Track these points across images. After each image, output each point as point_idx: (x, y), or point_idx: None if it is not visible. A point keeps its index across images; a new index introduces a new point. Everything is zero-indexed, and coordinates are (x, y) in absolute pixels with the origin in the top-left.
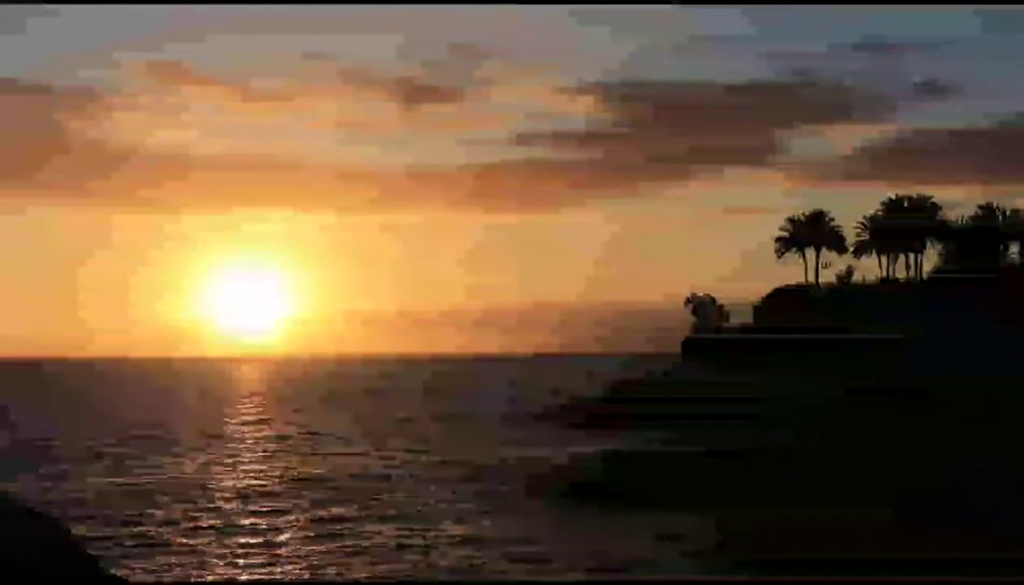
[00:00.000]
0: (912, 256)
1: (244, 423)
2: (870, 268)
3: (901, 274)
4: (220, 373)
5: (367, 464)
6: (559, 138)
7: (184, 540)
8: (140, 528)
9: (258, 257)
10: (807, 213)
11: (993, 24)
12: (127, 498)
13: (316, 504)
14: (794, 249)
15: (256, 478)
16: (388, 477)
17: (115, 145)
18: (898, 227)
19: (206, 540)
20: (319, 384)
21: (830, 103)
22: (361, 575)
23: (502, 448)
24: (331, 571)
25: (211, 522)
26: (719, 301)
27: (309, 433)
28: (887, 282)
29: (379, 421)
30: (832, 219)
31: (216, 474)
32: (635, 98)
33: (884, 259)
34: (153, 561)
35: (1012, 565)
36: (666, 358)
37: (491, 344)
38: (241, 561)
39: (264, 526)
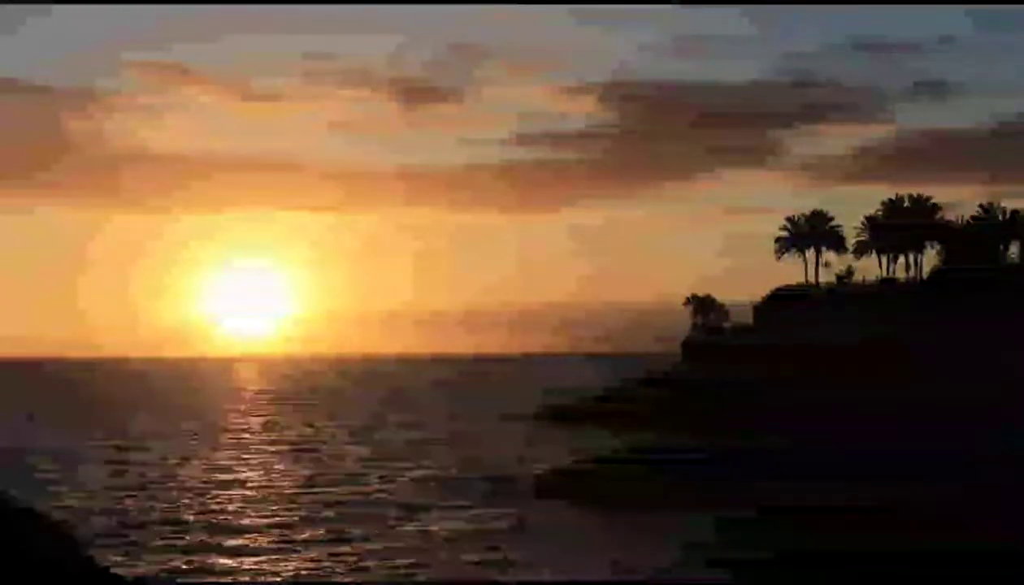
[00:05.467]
0: (912, 256)
1: (245, 423)
2: (870, 268)
3: (901, 274)
4: (220, 373)
5: (369, 466)
6: (559, 138)
7: (184, 540)
8: (141, 528)
9: (258, 257)
10: (807, 213)
11: (991, 24)
12: (128, 498)
13: (318, 505)
14: (794, 249)
15: (257, 479)
16: (390, 480)
17: (115, 145)
18: (898, 227)
19: (207, 540)
20: (320, 384)
21: (830, 103)
22: (360, 575)
23: (502, 448)
24: (331, 571)
25: (211, 521)
26: (719, 301)
27: (311, 434)
28: (887, 282)
29: (382, 421)
30: (832, 219)
31: (216, 475)
32: (635, 98)
33: (884, 259)
34: (153, 561)
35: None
36: (666, 358)
37: (491, 344)
38: (242, 561)
39: (265, 526)
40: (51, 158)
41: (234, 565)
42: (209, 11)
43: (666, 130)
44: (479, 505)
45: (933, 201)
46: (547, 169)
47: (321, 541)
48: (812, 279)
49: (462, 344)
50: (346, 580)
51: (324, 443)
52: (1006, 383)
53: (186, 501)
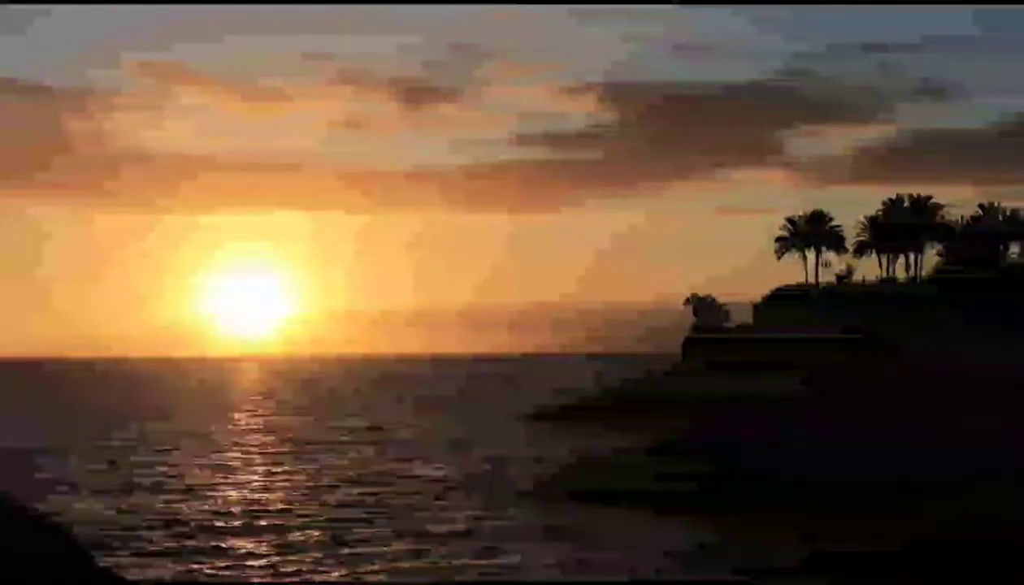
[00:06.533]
0: (912, 256)
1: (245, 423)
2: (870, 268)
3: (901, 274)
4: (221, 373)
5: (368, 469)
6: (559, 138)
7: (184, 541)
8: (141, 529)
9: (258, 257)
10: (807, 213)
11: (993, 24)
12: (128, 500)
13: (319, 505)
14: (794, 249)
15: (257, 479)
16: (390, 480)
17: (115, 145)
18: (898, 227)
19: (206, 541)
20: (320, 384)
21: (830, 103)
22: (360, 576)
23: (503, 448)
24: (333, 573)
25: (211, 523)
26: (719, 301)
27: (311, 434)
28: (887, 282)
29: (383, 421)
30: (832, 219)
31: (217, 475)
32: (635, 98)
33: (884, 259)
34: (154, 562)
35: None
36: (666, 358)
37: (490, 344)
38: (242, 562)
39: (265, 528)
40: (50, 158)
41: (234, 566)
42: (209, 11)
43: (666, 130)
44: (479, 505)
45: (933, 201)
46: (547, 169)
47: (321, 541)
48: (812, 279)
49: (462, 344)
50: (346, 580)
51: (325, 443)
52: (1007, 383)
53: (186, 501)
